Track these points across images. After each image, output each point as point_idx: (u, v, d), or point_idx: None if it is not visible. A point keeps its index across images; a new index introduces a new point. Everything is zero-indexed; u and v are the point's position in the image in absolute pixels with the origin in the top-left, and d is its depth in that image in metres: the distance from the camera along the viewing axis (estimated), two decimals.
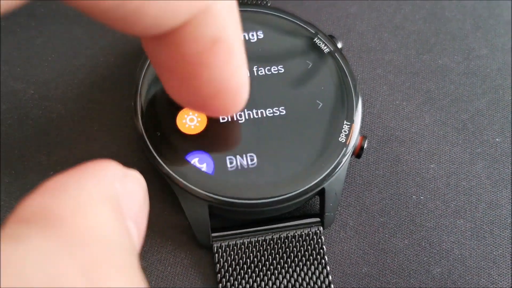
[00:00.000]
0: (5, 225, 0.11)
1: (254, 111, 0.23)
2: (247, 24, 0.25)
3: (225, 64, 0.16)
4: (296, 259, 0.23)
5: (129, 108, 0.25)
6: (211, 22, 0.16)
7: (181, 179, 0.22)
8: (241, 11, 0.24)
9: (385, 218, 0.25)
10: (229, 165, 0.22)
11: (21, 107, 0.26)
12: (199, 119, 0.23)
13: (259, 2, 0.27)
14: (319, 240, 0.23)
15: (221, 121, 0.23)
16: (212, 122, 0.23)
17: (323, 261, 0.23)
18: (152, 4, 0.14)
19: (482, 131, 0.28)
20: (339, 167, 0.22)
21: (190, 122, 0.23)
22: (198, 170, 0.22)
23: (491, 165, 0.27)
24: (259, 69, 0.24)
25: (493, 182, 0.26)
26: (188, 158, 0.22)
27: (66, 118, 0.26)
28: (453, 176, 0.26)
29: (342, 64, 0.25)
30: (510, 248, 0.25)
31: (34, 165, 0.25)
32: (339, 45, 0.25)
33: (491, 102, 0.29)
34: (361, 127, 0.24)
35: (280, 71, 0.24)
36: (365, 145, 0.23)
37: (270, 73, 0.24)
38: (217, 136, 0.23)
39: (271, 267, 0.22)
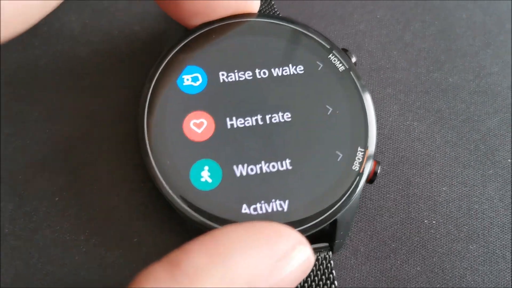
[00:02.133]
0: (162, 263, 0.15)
1: (260, 131, 0.22)
2: (270, 37, 0.24)
3: None
4: (306, 284, 0.22)
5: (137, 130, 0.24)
6: None
7: (191, 211, 0.21)
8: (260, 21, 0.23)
9: (397, 244, 0.25)
10: (243, 210, 0.21)
11: (26, 130, 0.25)
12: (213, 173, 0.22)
13: (271, 12, 0.27)
14: (329, 265, 0.22)
15: (237, 174, 0.22)
16: (227, 175, 0.21)
17: (333, 286, 0.22)
18: None
19: (494, 152, 0.27)
20: (353, 196, 0.21)
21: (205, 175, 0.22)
22: (206, 199, 0.21)
23: (504, 187, 0.26)
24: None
25: (505, 204, 0.26)
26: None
27: (72, 141, 0.25)
28: (465, 199, 0.26)
29: (358, 85, 0.23)
30: None
31: (38, 191, 0.24)
32: (353, 60, 0.24)
33: (502, 121, 0.28)
34: (376, 140, 0.23)
35: (290, 91, 0.23)
36: (379, 171, 0.22)
37: (278, 91, 0.23)
38: (231, 189, 0.22)
39: None
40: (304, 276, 0.18)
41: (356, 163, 0.22)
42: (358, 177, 0.22)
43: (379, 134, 0.27)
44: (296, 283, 0.17)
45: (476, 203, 0.26)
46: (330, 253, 0.22)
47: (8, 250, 0.23)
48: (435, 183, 0.26)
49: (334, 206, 0.21)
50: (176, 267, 0.15)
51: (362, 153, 0.22)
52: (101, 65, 0.27)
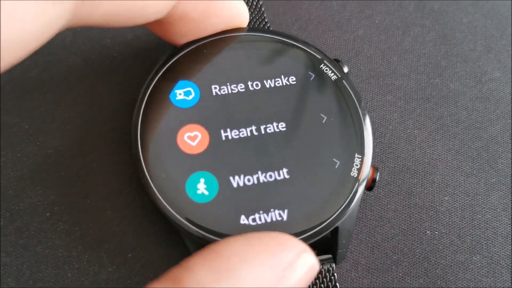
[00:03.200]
0: (162, 280, 0.15)
1: (256, 141, 0.22)
2: (254, 48, 0.24)
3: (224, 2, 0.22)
4: None
5: (131, 144, 0.24)
6: None
7: (188, 224, 0.20)
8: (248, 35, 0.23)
9: (399, 256, 0.24)
10: (241, 221, 0.21)
11: (15, 144, 0.24)
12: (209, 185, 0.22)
13: (262, 26, 0.26)
14: (332, 277, 0.22)
15: (234, 185, 0.21)
16: (223, 187, 0.21)
17: None
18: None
19: (497, 160, 0.27)
20: (352, 203, 0.21)
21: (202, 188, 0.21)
22: (203, 211, 0.21)
23: (507, 196, 0.26)
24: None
25: (509, 214, 0.25)
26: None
27: (63, 154, 0.24)
28: (468, 209, 0.25)
29: (351, 92, 0.23)
30: None
31: (29, 206, 0.23)
32: (345, 70, 0.24)
33: (505, 128, 0.28)
34: (373, 158, 0.23)
35: (284, 101, 0.23)
36: (377, 177, 0.23)
37: (272, 101, 0.23)
38: (228, 201, 0.21)
39: None
40: (309, 283, 0.18)
41: (354, 169, 0.22)
42: (356, 184, 0.21)
43: (379, 143, 0.27)
44: None
45: (479, 213, 0.25)
46: (334, 265, 0.22)
47: None
48: (437, 193, 0.26)
49: (334, 214, 0.21)
50: (178, 285, 0.14)
51: (360, 159, 0.22)
52: (93, 75, 0.26)
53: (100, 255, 0.23)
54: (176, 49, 0.23)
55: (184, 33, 0.22)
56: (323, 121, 0.22)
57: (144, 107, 0.22)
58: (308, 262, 0.17)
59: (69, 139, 0.25)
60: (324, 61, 0.24)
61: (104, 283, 0.22)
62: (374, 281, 0.24)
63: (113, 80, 0.26)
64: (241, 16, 0.23)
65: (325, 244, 0.22)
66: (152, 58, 0.27)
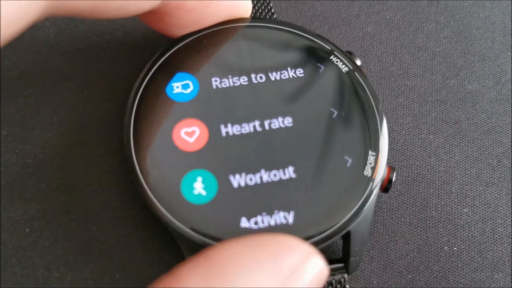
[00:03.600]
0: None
1: (263, 138, 0.21)
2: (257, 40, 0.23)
3: None
4: None
5: (120, 152, 0.23)
6: None
7: (183, 226, 0.19)
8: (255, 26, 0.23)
9: (414, 275, 0.23)
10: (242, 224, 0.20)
11: None
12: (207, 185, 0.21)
13: (267, 15, 0.26)
14: None
15: (234, 185, 0.20)
16: (223, 186, 0.20)
17: None
18: None
19: None
20: (366, 205, 0.20)
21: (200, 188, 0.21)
22: (200, 213, 0.20)
23: None
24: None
25: None
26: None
27: (45, 164, 0.23)
28: (489, 222, 0.24)
29: (364, 85, 0.22)
30: None
31: (6, 221, 0.22)
32: (358, 63, 0.23)
33: None
34: (388, 156, 0.22)
35: (292, 95, 0.22)
36: (394, 178, 0.21)
37: (279, 96, 0.22)
38: (228, 202, 0.20)
39: None
40: None
41: (367, 168, 0.21)
42: (371, 184, 0.20)
43: (391, 149, 0.25)
44: None
45: (501, 226, 0.24)
46: (346, 275, 0.21)
47: None
48: (455, 204, 0.25)
49: (345, 216, 0.20)
50: None
51: (374, 157, 0.21)
52: (79, 76, 0.25)
53: (84, 277, 0.21)
54: (174, 40, 0.23)
55: (182, 25, 0.22)
56: (333, 116, 0.22)
57: (138, 101, 0.21)
58: (315, 267, 0.16)
59: (51, 147, 0.23)
60: (335, 52, 0.23)
61: None
62: None
63: (101, 82, 0.25)
64: (242, 5, 0.23)
65: (336, 252, 0.22)
66: (143, 57, 0.25)
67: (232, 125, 0.21)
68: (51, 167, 0.23)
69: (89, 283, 0.21)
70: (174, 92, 0.21)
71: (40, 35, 0.26)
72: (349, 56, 0.23)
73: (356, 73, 0.23)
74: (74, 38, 0.26)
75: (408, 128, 0.26)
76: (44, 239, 0.22)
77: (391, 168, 0.21)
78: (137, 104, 0.21)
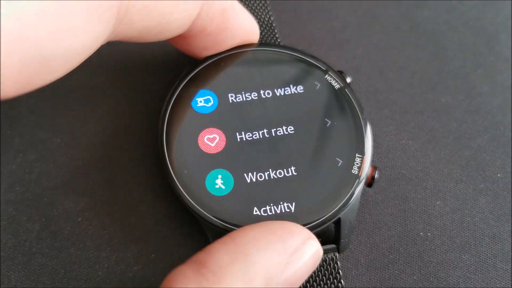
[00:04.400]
0: (188, 264, 0.17)
1: (269, 143, 0.25)
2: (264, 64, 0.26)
3: (237, 18, 0.24)
4: (314, 283, 0.24)
5: (153, 155, 0.26)
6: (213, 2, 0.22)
7: (207, 214, 0.23)
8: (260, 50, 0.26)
9: (395, 255, 0.26)
10: (254, 212, 0.23)
11: (49, 156, 0.27)
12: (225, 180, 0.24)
13: (273, 41, 0.29)
14: (336, 265, 0.24)
15: (247, 181, 0.24)
16: (238, 182, 0.24)
17: (339, 284, 0.24)
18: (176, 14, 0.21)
19: (485, 167, 0.29)
20: (353, 197, 0.23)
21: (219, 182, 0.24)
22: (220, 203, 0.23)
23: (494, 200, 0.28)
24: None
25: (495, 216, 0.28)
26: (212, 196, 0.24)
27: (92, 165, 0.27)
28: (458, 212, 0.28)
29: (352, 99, 0.26)
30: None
31: (62, 212, 0.26)
32: (348, 80, 0.27)
33: (492, 138, 0.30)
34: (374, 158, 0.25)
35: (293, 107, 0.25)
36: (376, 175, 0.24)
37: (283, 107, 0.25)
38: (242, 194, 0.24)
39: None
40: (314, 268, 0.20)
41: (355, 167, 0.24)
42: (357, 180, 0.24)
43: (376, 153, 0.29)
44: (307, 274, 0.20)
45: (468, 216, 0.28)
46: (337, 254, 0.24)
47: (36, 267, 0.25)
48: (429, 198, 0.28)
49: (337, 206, 0.23)
50: (202, 266, 0.17)
51: (360, 158, 0.24)
52: (116, 91, 0.29)
53: (126, 256, 0.25)
54: (197, 62, 0.26)
55: (204, 46, 0.25)
56: (327, 125, 0.25)
57: (169, 113, 0.25)
58: (313, 248, 0.19)
59: (97, 152, 0.27)
60: (329, 72, 0.26)
61: (131, 281, 0.25)
62: (373, 278, 0.26)
63: (134, 98, 0.29)
64: (252, 31, 0.25)
65: (329, 235, 0.25)
66: (170, 76, 0.29)
67: (245, 133, 0.24)
68: (97, 168, 0.27)
69: (131, 261, 0.25)
70: (198, 105, 0.25)
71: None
72: (341, 74, 0.26)
73: (346, 89, 0.26)
74: (111, 60, 0.29)
75: (391, 135, 0.29)
76: (93, 226, 0.26)
77: (374, 167, 0.25)
78: (169, 115, 0.25)
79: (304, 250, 0.19)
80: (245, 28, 0.25)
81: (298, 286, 0.19)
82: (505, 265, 0.26)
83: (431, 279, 0.26)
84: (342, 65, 0.31)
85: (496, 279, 0.26)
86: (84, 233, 0.25)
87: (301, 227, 0.20)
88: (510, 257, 0.27)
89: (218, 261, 0.17)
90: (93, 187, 0.26)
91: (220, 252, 0.17)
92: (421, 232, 0.27)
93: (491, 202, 0.28)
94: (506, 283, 0.26)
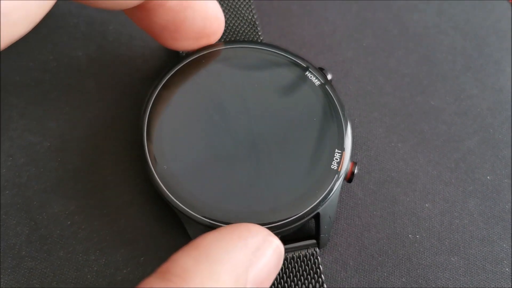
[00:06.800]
0: (154, 274, 0.17)
1: (249, 139, 0.25)
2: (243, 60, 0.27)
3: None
4: (295, 278, 0.24)
5: (140, 157, 0.26)
6: None
7: (186, 209, 0.23)
8: (239, 47, 0.26)
9: (384, 257, 0.27)
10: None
11: (39, 160, 0.27)
12: None
13: (255, 38, 0.29)
14: (316, 260, 0.25)
15: (230, 178, 0.24)
16: (220, 180, 0.24)
17: (320, 279, 0.24)
18: None
19: (474, 170, 0.29)
20: (332, 192, 0.24)
21: None
22: (200, 199, 0.24)
23: (483, 202, 0.28)
24: (253, 101, 0.26)
25: (485, 219, 0.28)
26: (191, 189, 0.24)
27: (81, 169, 0.27)
28: (447, 215, 0.28)
29: (332, 95, 0.26)
30: (501, 283, 0.26)
31: (52, 215, 0.26)
32: (329, 77, 0.27)
33: (481, 141, 0.30)
34: (352, 153, 0.25)
35: (273, 104, 0.26)
36: (356, 171, 0.25)
37: (263, 104, 0.26)
38: (224, 191, 0.24)
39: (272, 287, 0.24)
40: (279, 265, 0.20)
41: (334, 163, 0.24)
42: (336, 175, 0.24)
43: (366, 155, 0.29)
44: (275, 272, 0.20)
45: (457, 218, 0.28)
46: (317, 249, 0.25)
47: (26, 270, 0.25)
48: (418, 200, 0.28)
49: (316, 201, 0.23)
50: (167, 273, 0.17)
51: (339, 154, 0.25)
52: (107, 96, 0.29)
53: (116, 259, 0.25)
54: (178, 61, 0.26)
55: (164, 25, 0.24)
56: (307, 121, 0.25)
57: (148, 116, 0.25)
58: (273, 244, 0.20)
59: (86, 156, 0.27)
60: (309, 69, 0.26)
61: (120, 284, 0.25)
62: (362, 280, 0.26)
63: (124, 104, 0.29)
64: (215, 16, 0.25)
65: (309, 230, 0.26)
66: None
67: (228, 129, 0.24)
68: (86, 172, 0.27)
69: (120, 264, 0.25)
70: (179, 104, 0.25)
71: (73, 62, 0.29)
72: (321, 71, 0.26)
73: (326, 86, 0.26)
74: (101, 64, 0.30)
75: (381, 137, 0.30)
76: (83, 230, 0.26)
77: (354, 163, 0.25)
78: (148, 118, 0.25)
79: (265, 247, 0.19)
80: (207, 11, 0.24)
81: (268, 285, 0.20)
82: (494, 267, 0.26)
83: (420, 281, 0.26)
84: (331, 68, 0.31)
85: (485, 281, 0.26)
86: (74, 237, 0.25)
87: (260, 226, 0.20)
88: (499, 259, 0.27)
89: (182, 265, 0.17)
90: (83, 190, 0.26)
91: (184, 258, 0.17)
92: (410, 234, 0.27)
93: (480, 205, 0.28)
94: (495, 285, 0.26)
